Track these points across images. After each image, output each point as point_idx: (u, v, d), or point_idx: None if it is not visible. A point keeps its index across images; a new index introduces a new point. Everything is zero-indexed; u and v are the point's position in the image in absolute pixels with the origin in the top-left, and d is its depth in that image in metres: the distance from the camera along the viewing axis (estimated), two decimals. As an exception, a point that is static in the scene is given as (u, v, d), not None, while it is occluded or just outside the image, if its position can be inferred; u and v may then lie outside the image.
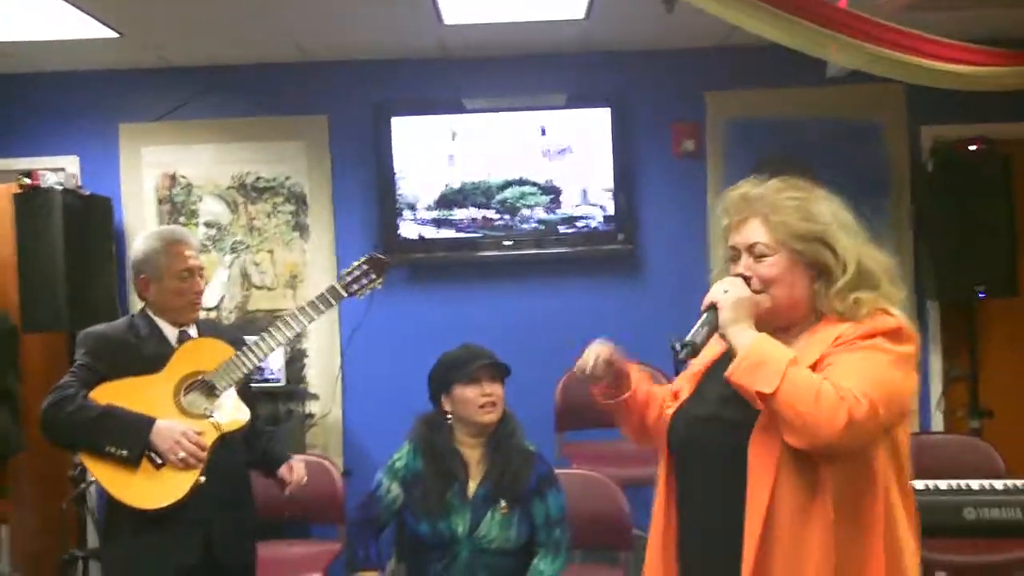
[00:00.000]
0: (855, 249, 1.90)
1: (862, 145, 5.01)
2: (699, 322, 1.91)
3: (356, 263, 3.02)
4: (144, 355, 2.85)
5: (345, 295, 2.97)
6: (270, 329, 2.89)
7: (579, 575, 3.47)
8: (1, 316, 4.40)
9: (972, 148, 4.63)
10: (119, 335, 2.91)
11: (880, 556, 1.78)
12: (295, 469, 3.01)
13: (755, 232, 1.91)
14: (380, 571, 3.02)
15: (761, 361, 1.76)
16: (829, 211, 1.93)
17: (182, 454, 2.71)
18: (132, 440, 2.71)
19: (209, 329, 3.06)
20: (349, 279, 2.99)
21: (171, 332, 2.93)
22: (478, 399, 2.94)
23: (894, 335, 1.81)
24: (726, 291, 1.88)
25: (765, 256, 1.89)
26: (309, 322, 2.93)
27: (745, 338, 1.82)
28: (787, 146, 4.98)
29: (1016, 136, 4.84)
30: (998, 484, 3.21)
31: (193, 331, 2.97)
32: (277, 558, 3.73)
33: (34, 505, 4.70)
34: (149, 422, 2.73)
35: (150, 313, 2.94)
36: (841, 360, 1.78)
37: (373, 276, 3.00)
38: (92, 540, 4.55)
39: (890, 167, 5.03)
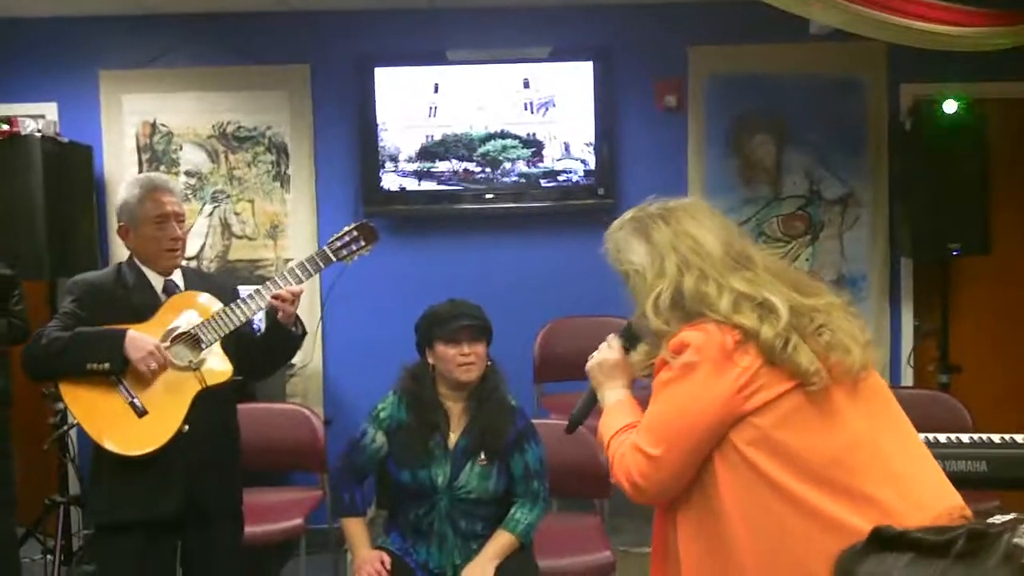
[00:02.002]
0: (647, 288, 1.87)
1: (842, 102, 5.05)
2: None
3: (346, 229, 3.00)
4: (131, 304, 2.85)
5: (334, 260, 2.96)
6: (259, 289, 2.88)
7: (557, 523, 3.54)
8: None
9: (950, 107, 4.67)
10: (107, 284, 2.91)
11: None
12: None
13: None
14: (362, 517, 3.09)
15: (602, 429, 1.98)
16: (632, 253, 1.93)
17: (153, 365, 2.73)
18: (109, 351, 2.71)
19: (196, 279, 3.05)
20: (338, 244, 2.98)
21: (157, 282, 2.92)
22: (457, 358, 2.97)
23: (667, 365, 1.80)
24: (592, 357, 2.08)
25: None
26: (297, 283, 2.92)
27: (604, 400, 2.04)
28: (769, 102, 5.02)
29: (993, 96, 4.89)
30: (964, 437, 3.29)
31: (180, 281, 2.97)
32: (258, 505, 3.78)
33: (15, 453, 4.72)
34: (121, 332, 2.74)
35: (136, 262, 2.94)
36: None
37: (362, 243, 2.99)
38: (73, 486, 4.60)
39: (869, 124, 5.07)
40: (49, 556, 4.21)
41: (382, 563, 2.91)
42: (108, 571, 2.95)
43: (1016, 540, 0.78)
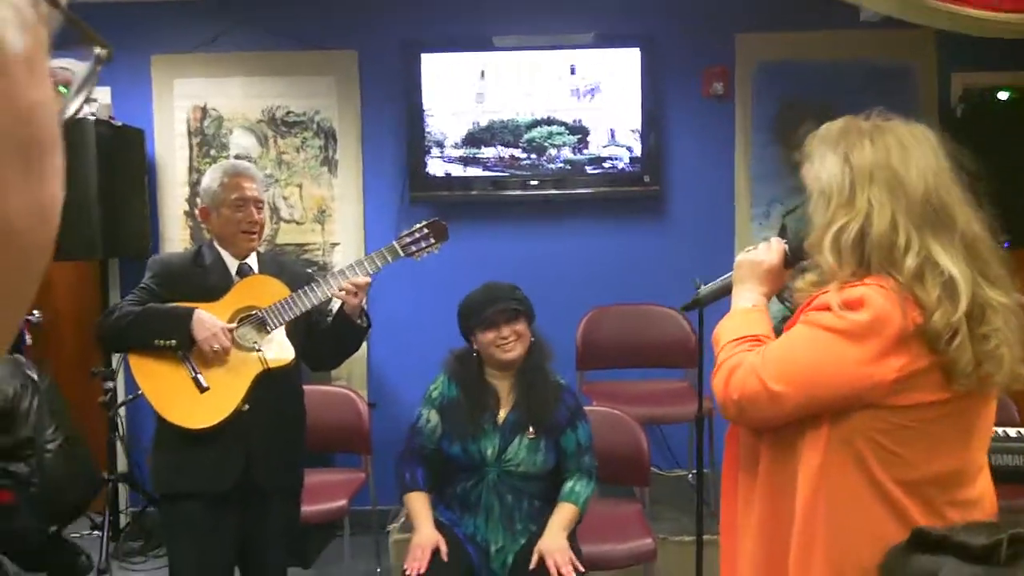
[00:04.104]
0: (829, 214, 1.70)
1: (891, 90, 4.98)
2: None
3: (418, 225, 3.01)
4: (205, 284, 2.96)
5: (402, 255, 2.98)
6: (328, 278, 2.94)
7: (599, 509, 3.55)
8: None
9: (1002, 95, 4.59)
10: (185, 263, 3.04)
11: (795, 548, 1.66)
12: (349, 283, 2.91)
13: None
14: (425, 493, 3.10)
15: (722, 328, 1.82)
16: (824, 168, 1.74)
17: (216, 346, 2.82)
18: (176, 329, 2.82)
19: (271, 264, 3.13)
20: (408, 240, 3.00)
21: (232, 264, 3.02)
22: (496, 340, 3.04)
23: (828, 308, 1.63)
24: (749, 250, 1.90)
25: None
26: (364, 275, 2.93)
27: (737, 300, 1.87)
28: (816, 89, 4.97)
29: (1048, 85, 4.80)
30: (1012, 431, 3.26)
31: (255, 264, 3.06)
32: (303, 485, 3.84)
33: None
34: (189, 311, 2.85)
35: (216, 244, 3.05)
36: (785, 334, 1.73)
37: (432, 240, 3.01)
38: (121, 464, 4.69)
39: (919, 113, 4.97)
40: (97, 532, 4.31)
41: (434, 552, 2.90)
42: (170, 538, 3.06)
43: None
